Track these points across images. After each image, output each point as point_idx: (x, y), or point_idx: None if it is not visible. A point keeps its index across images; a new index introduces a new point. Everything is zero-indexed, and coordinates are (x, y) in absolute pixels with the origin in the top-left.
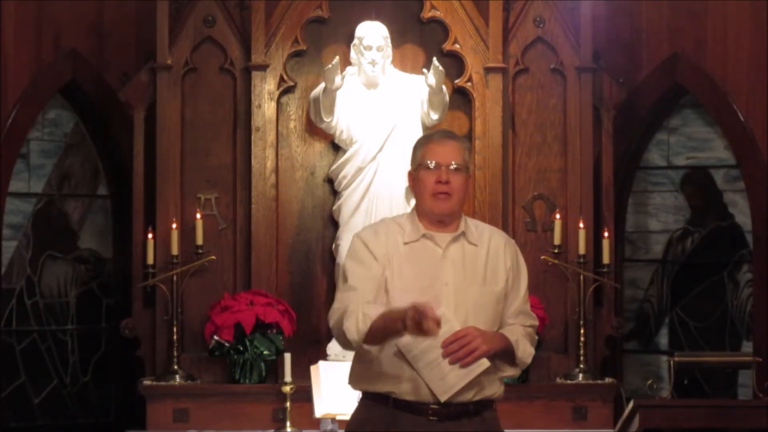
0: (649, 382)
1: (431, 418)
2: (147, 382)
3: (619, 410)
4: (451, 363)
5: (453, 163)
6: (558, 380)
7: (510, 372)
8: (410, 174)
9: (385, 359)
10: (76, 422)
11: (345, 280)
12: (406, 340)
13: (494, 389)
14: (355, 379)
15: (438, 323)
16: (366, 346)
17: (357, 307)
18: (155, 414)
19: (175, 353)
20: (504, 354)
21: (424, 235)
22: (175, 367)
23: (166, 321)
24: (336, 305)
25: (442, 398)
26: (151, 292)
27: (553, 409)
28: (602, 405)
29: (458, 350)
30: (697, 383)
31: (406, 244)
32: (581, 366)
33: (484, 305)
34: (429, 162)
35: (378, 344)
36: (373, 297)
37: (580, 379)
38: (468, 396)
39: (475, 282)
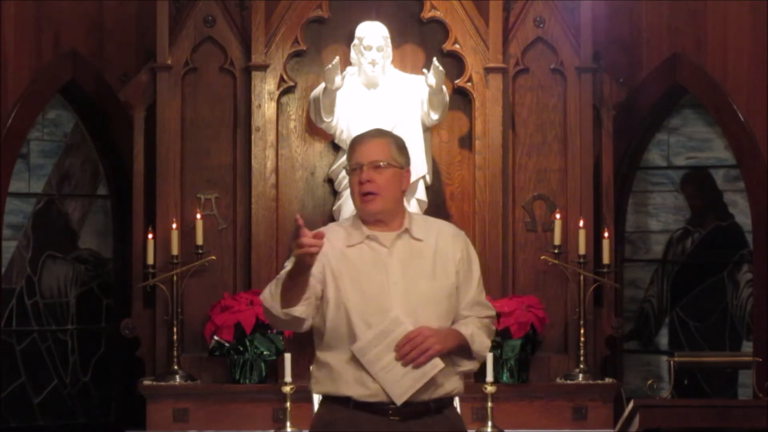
0: (649, 382)
1: (393, 417)
2: (147, 382)
3: (619, 410)
4: (405, 365)
5: (375, 160)
6: (558, 380)
7: (468, 366)
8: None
9: (343, 363)
10: (76, 422)
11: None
12: (360, 344)
13: (453, 385)
14: (315, 383)
15: (318, 236)
16: (286, 310)
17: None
18: (155, 414)
19: (175, 353)
20: (459, 350)
21: (368, 237)
22: (175, 367)
23: (166, 321)
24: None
25: (398, 402)
26: (151, 292)
27: (553, 409)
28: (602, 405)
29: (411, 351)
30: (697, 383)
31: (350, 246)
32: (581, 366)
33: (435, 300)
34: (353, 164)
35: (295, 300)
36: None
37: (580, 379)
38: (427, 394)
39: (423, 277)
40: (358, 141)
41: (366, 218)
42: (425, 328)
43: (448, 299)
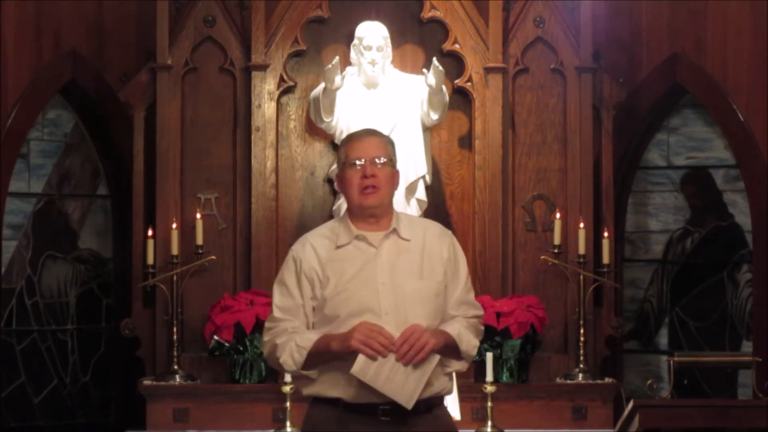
0: (649, 382)
1: (383, 418)
2: (147, 382)
3: (619, 410)
4: (406, 364)
5: (377, 157)
6: (558, 380)
7: (457, 366)
8: (337, 176)
9: (332, 365)
10: (76, 422)
11: (272, 309)
12: (359, 366)
13: (442, 385)
14: (304, 384)
15: (390, 341)
16: (305, 372)
17: (287, 339)
18: (155, 414)
19: (175, 353)
20: (447, 349)
21: (356, 237)
22: (175, 367)
23: (166, 321)
24: (265, 338)
25: (409, 405)
26: (151, 292)
27: (553, 409)
28: (602, 405)
29: (410, 350)
30: (697, 383)
31: (338, 248)
32: (581, 366)
33: (423, 300)
34: (353, 160)
35: (316, 368)
36: (300, 323)
37: (580, 379)
38: None
39: (411, 277)
40: (356, 137)
41: (362, 212)
42: (417, 325)
43: (436, 298)
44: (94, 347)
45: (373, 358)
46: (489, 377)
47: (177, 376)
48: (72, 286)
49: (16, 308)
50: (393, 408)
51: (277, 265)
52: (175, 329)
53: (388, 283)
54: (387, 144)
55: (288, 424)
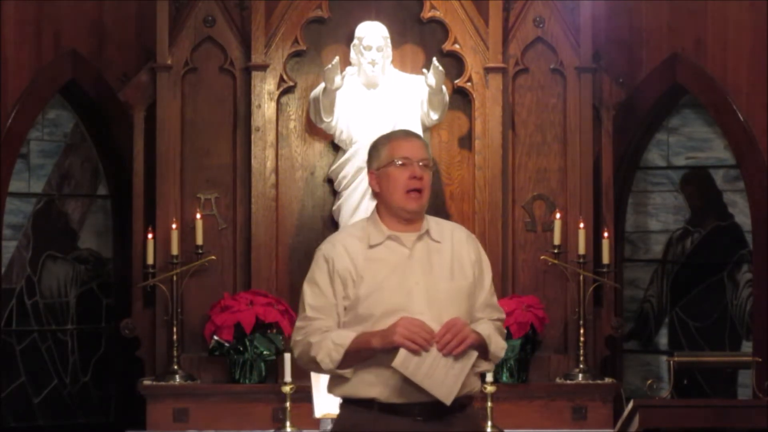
0: (649, 382)
1: (417, 418)
2: (147, 382)
3: (619, 410)
4: (446, 354)
5: (424, 158)
6: (558, 380)
7: (485, 366)
8: (373, 173)
9: (365, 365)
10: (76, 422)
11: (303, 308)
12: (401, 359)
13: (473, 384)
14: (335, 386)
15: (432, 335)
16: (340, 371)
17: (322, 338)
18: (155, 414)
19: (175, 353)
20: (479, 348)
21: (389, 237)
22: (175, 367)
23: (166, 321)
24: (297, 337)
25: (448, 401)
26: (151, 292)
27: (553, 409)
28: (602, 405)
29: (452, 340)
30: (697, 383)
31: (371, 247)
32: (581, 366)
33: (455, 300)
34: (398, 159)
35: (351, 367)
36: (333, 322)
37: (580, 379)
38: None
39: (443, 278)
40: (400, 137)
41: (401, 215)
42: (458, 318)
43: (467, 300)
44: (94, 347)
45: (416, 353)
46: (489, 377)
47: (177, 376)
48: (72, 286)
49: (16, 308)
50: (428, 407)
51: (277, 265)
52: (175, 329)
53: (422, 283)
54: (428, 147)
55: (288, 424)
